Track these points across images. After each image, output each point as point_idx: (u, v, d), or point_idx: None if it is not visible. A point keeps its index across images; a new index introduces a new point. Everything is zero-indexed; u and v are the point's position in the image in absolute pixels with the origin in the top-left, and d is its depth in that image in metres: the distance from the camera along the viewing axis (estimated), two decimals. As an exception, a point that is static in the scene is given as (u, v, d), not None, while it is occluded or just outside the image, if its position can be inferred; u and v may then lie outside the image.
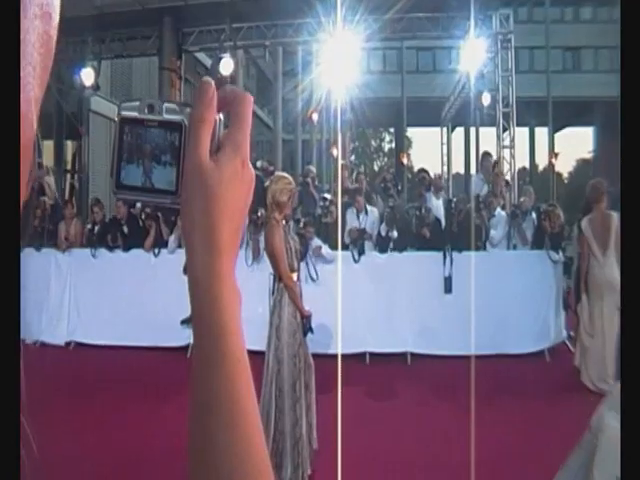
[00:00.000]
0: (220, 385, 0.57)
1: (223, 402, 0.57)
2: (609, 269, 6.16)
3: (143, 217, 8.78)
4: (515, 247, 8.22)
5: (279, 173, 4.70)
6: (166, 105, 0.61)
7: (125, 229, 8.81)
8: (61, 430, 4.89)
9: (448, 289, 7.68)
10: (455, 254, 7.73)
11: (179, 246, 8.22)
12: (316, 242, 7.69)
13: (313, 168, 11.50)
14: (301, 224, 7.77)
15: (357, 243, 8.06)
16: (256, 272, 6.73)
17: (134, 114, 0.61)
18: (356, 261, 7.83)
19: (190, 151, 0.59)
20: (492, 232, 8.18)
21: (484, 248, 8.17)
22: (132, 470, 4.39)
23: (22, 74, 0.34)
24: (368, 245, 8.25)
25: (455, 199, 8.80)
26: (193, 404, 0.58)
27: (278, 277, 4.35)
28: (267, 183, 4.40)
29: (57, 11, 0.38)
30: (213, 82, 0.61)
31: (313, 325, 4.41)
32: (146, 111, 0.61)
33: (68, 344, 8.48)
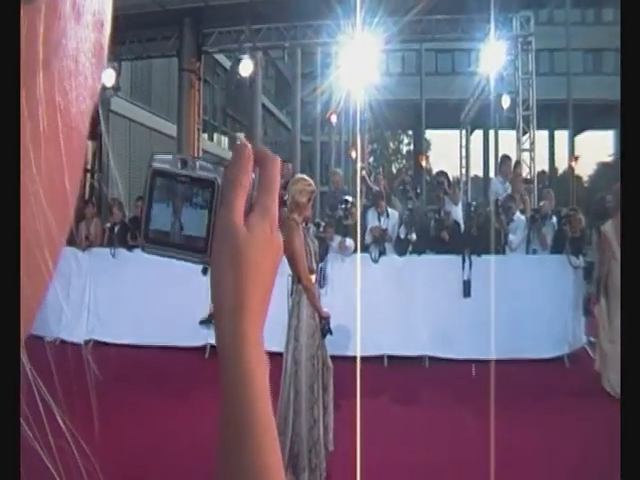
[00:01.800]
0: (246, 454, 0.56)
1: (249, 471, 0.56)
2: None
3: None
4: (535, 251, 8.14)
5: (299, 175, 4.70)
6: (200, 163, 0.61)
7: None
8: (78, 427, 4.91)
9: (467, 293, 7.64)
10: (474, 258, 7.68)
11: None
12: (337, 239, 7.76)
13: (340, 171, 11.51)
14: (321, 228, 7.79)
15: (378, 243, 8.03)
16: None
17: (166, 167, 0.61)
18: (375, 261, 7.82)
19: (222, 212, 0.59)
20: (511, 236, 8.11)
21: (503, 252, 8.11)
22: (149, 469, 4.40)
23: (73, 84, 0.33)
24: (387, 247, 8.22)
25: (474, 203, 8.75)
26: (220, 469, 0.57)
27: (297, 278, 4.34)
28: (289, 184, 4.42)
29: (109, 20, 0.38)
30: (250, 145, 0.61)
31: (332, 327, 4.40)
32: (179, 166, 0.60)
33: (87, 342, 8.53)
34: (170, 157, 0.61)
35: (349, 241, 7.75)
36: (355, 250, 7.79)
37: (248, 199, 0.60)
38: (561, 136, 28.51)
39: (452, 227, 8.24)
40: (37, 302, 0.34)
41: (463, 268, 7.67)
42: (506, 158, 10.17)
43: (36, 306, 0.34)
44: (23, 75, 0.29)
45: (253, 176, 0.60)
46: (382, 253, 7.93)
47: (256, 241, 0.58)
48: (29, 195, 0.30)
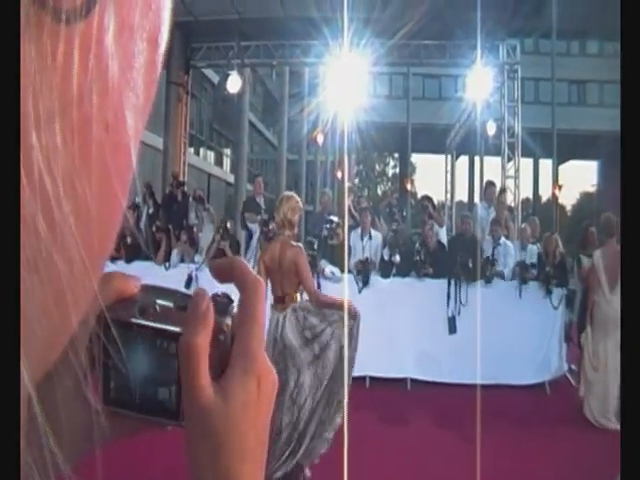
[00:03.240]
0: None
1: None
2: (615, 306, 6.04)
3: (154, 229, 8.91)
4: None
5: (287, 193, 4.71)
6: (160, 303, 0.48)
7: (128, 240, 8.80)
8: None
9: (452, 329, 7.65)
10: (458, 285, 7.69)
11: (181, 261, 8.52)
12: (322, 264, 7.71)
13: (328, 191, 11.52)
14: (315, 246, 7.74)
15: (362, 274, 7.98)
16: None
17: (122, 315, 0.48)
18: (359, 292, 7.77)
19: (186, 382, 0.45)
20: (502, 269, 8.08)
21: (488, 278, 8.05)
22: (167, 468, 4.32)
23: (122, 100, 0.30)
24: (372, 269, 8.20)
25: (454, 232, 8.78)
26: None
27: (309, 294, 4.32)
28: (277, 202, 4.42)
29: (165, 38, 0.33)
30: (207, 293, 0.47)
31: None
32: (137, 314, 0.48)
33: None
34: (124, 307, 0.49)
35: (328, 270, 7.72)
36: (342, 271, 7.76)
37: (220, 342, 0.47)
38: (545, 164, 28.80)
39: (436, 249, 8.22)
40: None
41: (448, 304, 7.66)
42: (491, 184, 10.20)
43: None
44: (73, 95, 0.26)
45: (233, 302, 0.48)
46: (365, 284, 7.87)
47: (235, 410, 0.45)
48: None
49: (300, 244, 4.49)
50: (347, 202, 10.10)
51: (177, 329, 0.47)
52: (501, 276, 8.04)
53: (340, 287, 7.29)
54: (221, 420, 0.44)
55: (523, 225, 9.11)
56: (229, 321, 0.48)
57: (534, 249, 8.30)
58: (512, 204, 11.90)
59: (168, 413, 0.48)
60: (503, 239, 8.40)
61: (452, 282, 7.69)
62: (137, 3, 0.30)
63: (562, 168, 27.34)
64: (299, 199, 4.43)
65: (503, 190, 10.84)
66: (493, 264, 7.97)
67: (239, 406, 0.45)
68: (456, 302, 7.66)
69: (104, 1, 0.27)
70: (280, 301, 4.27)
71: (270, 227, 7.51)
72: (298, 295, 4.34)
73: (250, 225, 9.24)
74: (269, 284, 4.29)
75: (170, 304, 0.49)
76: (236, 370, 0.45)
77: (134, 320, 0.48)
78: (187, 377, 0.44)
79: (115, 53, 0.28)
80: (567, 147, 25.36)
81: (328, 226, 8.64)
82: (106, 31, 0.27)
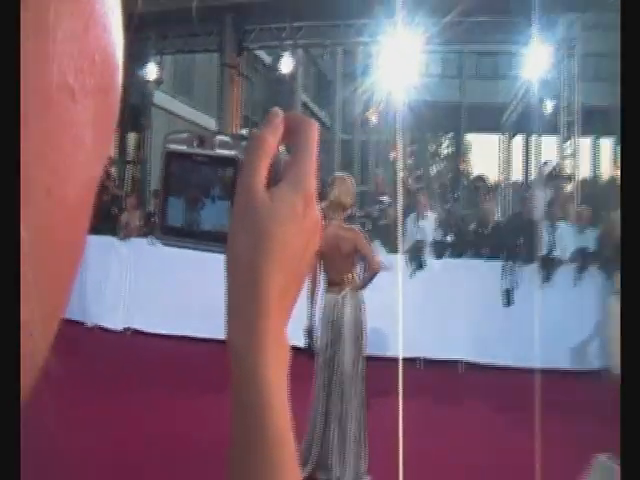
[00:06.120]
0: (259, 475, 0.47)
1: None
2: None
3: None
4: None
5: (340, 174, 4.53)
6: (219, 138, 0.54)
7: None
8: (111, 415, 5.03)
9: (508, 302, 7.54)
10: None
11: None
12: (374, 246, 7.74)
13: (382, 171, 11.48)
14: (368, 227, 7.72)
15: (415, 257, 7.90)
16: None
17: (182, 148, 0.54)
18: (410, 276, 7.72)
19: (241, 181, 0.49)
20: (563, 254, 7.89)
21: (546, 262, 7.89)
22: (181, 459, 4.43)
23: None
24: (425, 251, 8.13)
25: (511, 213, 8.64)
26: None
27: (368, 265, 4.37)
28: (329, 184, 4.34)
29: (117, 88, 0.31)
30: (282, 112, 0.52)
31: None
32: (195, 144, 0.54)
33: (126, 330, 8.72)
34: (185, 135, 0.55)
35: (382, 258, 7.72)
36: (395, 251, 7.74)
37: (276, 171, 0.51)
38: (605, 143, 27.97)
39: (492, 229, 8.10)
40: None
41: (502, 277, 7.54)
42: (547, 164, 10.01)
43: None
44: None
45: (282, 148, 0.52)
46: (420, 267, 7.79)
47: (282, 215, 0.48)
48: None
49: (355, 226, 4.50)
50: (399, 181, 10.02)
51: (233, 153, 0.53)
52: (559, 261, 7.87)
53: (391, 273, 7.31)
54: (268, 215, 0.48)
55: (581, 208, 8.87)
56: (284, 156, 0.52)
57: (593, 234, 8.05)
58: (570, 185, 11.62)
59: (220, 235, 0.52)
60: (561, 224, 8.20)
61: (508, 262, 7.58)
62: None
63: (623, 147, 26.48)
64: (353, 181, 4.34)
65: (560, 170, 10.61)
66: (551, 252, 7.81)
67: (285, 210, 0.48)
68: (512, 273, 7.54)
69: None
70: (336, 283, 4.28)
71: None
72: (354, 276, 4.35)
73: None
74: (322, 269, 4.33)
75: (227, 138, 0.54)
76: (285, 184, 0.49)
77: (193, 150, 0.53)
78: (245, 175, 0.49)
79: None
80: (628, 125, 24.60)
81: (379, 207, 8.62)
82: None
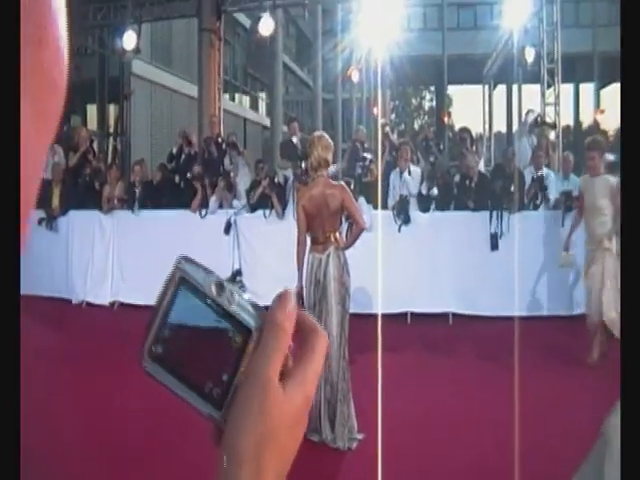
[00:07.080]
0: None
1: None
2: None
3: (189, 177, 8.98)
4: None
5: (317, 132, 4.71)
6: (239, 298, 0.49)
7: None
8: (104, 387, 5.12)
9: (494, 246, 7.59)
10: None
11: (220, 207, 8.49)
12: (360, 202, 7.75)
13: (363, 128, 11.39)
14: (352, 185, 7.73)
15: (401, 212, 7.90)
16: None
17: (197, 282, 0.48)
18: (399, 230, 7.76)
19: (258, 361, 0.48)
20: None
21: (534, 208, 7.99)
22: (172, 430, 4.49)
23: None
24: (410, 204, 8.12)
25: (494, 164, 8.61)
26: None
27: (355, 222, 4.48)
28: (308, 144, 4.48)
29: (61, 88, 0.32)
30: (292, 294, 0.51)
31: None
32: (213, 290, 0.48)
33: (112, 304, 8.73)
34: (202, 271, 0.49)
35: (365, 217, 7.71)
36: (375, 207, 7.78)
37: (284, 363, 0.49)
38: (586, 89, 27.95)
39: (477, 181, 8.14)
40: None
41: (490, 222, 7.62)
42: (530, 112, 10.07)
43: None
44: None
45: (291, 344, 0.49)
46: (406, 222, 7.79)
47: (291, 408, 0.48)
48: None
49: (341, 182, 4.59)
50: (380, 137, 9.97)
51: (251, 322, 0.49)
52: (543, 205, 7.96)
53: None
54: (279, 405, 0.47)
55: (565, 153, 8.96)
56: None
57: (577, 179, 8.14)
58: (553, 132, 11.68)
59: (212, 398, 0.48)
60: (545, 169, 8.25)
61: (494, 210, 7.66)
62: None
63: (604, 92, 26.44)
64: (329, 137, 4.48)
65: (542, 119, 10.68)
66: (539, 190, 7.88)
67: (295, 407, 0.48)
68: (498, 220, 7.60)
69: None
70: (320, 242, 4.35)
71: (302, 167, 7.46)
72: (338, 235, 4.42)
73: (282, 173, 9.07)
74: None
75: (247, 302, 0.50)
76: (294, 380, 0.49)
77: (208, 293, 0.48)
78: (262, 362, 0.47)
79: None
80: (609, 70, 24.56)
81: (361, 163, 8.61)
82: None
